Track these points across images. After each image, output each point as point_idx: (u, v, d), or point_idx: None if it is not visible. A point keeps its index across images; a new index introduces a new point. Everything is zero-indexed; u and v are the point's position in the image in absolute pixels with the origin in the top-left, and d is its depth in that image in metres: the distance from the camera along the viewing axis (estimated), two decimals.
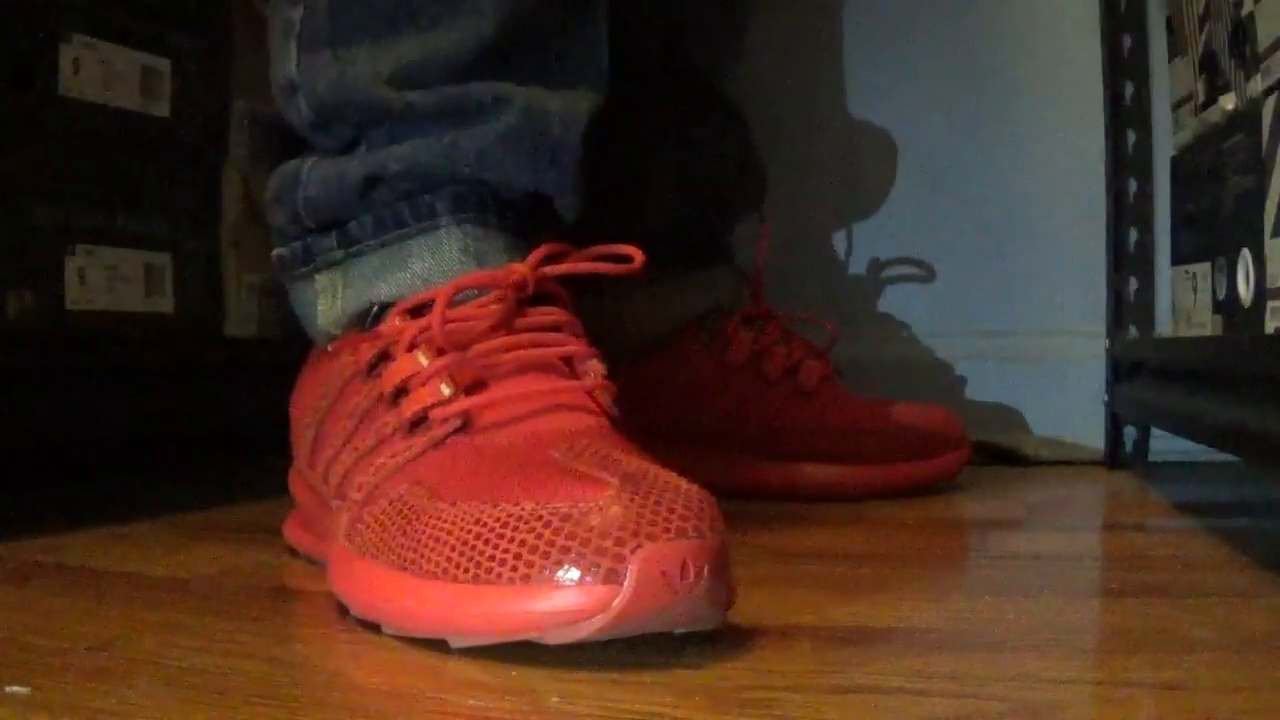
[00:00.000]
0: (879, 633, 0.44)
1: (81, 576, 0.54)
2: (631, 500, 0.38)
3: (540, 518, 0.39)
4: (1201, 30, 0.78)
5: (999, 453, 1.00)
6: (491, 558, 0.39)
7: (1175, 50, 0.88)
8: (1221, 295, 0.74)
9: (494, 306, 0.49)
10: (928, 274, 1.05)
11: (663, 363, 0.80)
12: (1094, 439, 0.99)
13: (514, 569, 0.38)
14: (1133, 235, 0.97)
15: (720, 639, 0.43)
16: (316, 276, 0.57)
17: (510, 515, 0.40)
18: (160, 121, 0.83)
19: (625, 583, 0.37)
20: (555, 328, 0.50)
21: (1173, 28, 0.88)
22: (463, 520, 0.41)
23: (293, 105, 0.56)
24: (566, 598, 0.37)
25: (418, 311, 0.51)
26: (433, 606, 0.40)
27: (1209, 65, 0.76)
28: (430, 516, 0.42)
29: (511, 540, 0.39)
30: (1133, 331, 0.97)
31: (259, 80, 0.94)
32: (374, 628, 0.45)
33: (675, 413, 0.80)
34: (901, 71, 1.04)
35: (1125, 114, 0.98)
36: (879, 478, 0.80)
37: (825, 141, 1.06)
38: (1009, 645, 0.44)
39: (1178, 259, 0.89)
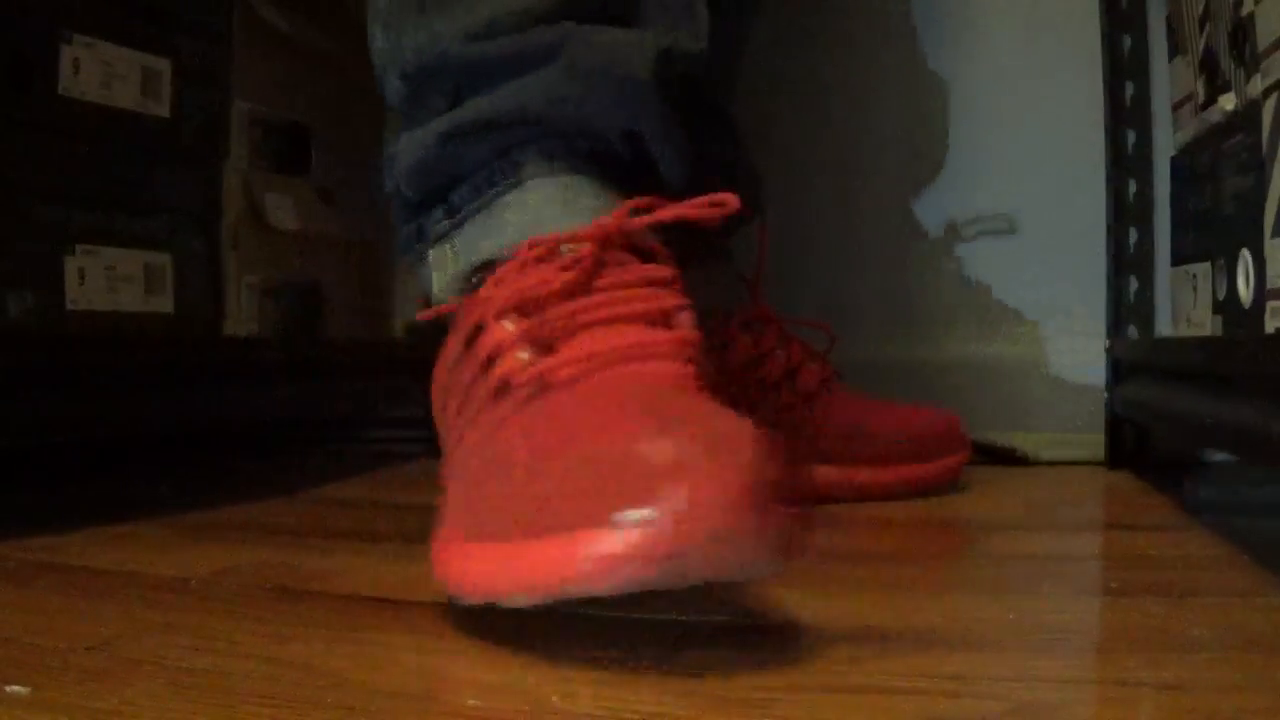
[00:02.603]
0: (879, 633, 0.44)
1: (81, 576, 0.54)
2: (673, 440, 0.37)
3: (590, 464, 0.38)
4: (1201, 30, 0.78)
5: (999, 453, 1.00)
6: (551, 512, 0.38)
7: (1175, 50, 0.88)
8: (1221, 295, 0.74)
9: (575, 264, 0.49)
10: (927, 274, 1.05)
11: None
12: (1094, 439, 0.99)
13: (572, 517, 0.37)
14: (1133, 235, 0.97)
15: (720, 639, 0.43)
16: (430, 252, 0.56)
17: (564, 467, 0.40)
18: (160, 121, 0.83)
19: (667, 521, 0.35)
20: (643, 283, 0.49)
21: (1173, 28, 0.88)
22: (524, 480, 0.41)
23: (388, 87, 0.57)
24: (618, 539, 0.36)
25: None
26: (498, 568, 0.40)
27: (1209, 65, 0.76)
28: (496, 482, 0.43)
29: (566, 490, 0.38)
30: (1133, 331, 0.97)
31: (259, 80, 0.95)
32: (376, 627, 0.45)
33: None
34: (901, 72, 1.05)
35: (1125, 114, 0.98)
36: (879, 480, 0.80)
37: (825, 142, 1.06)
38: (1009, 645, 0.44)
39: (1178, 259, 0.89)
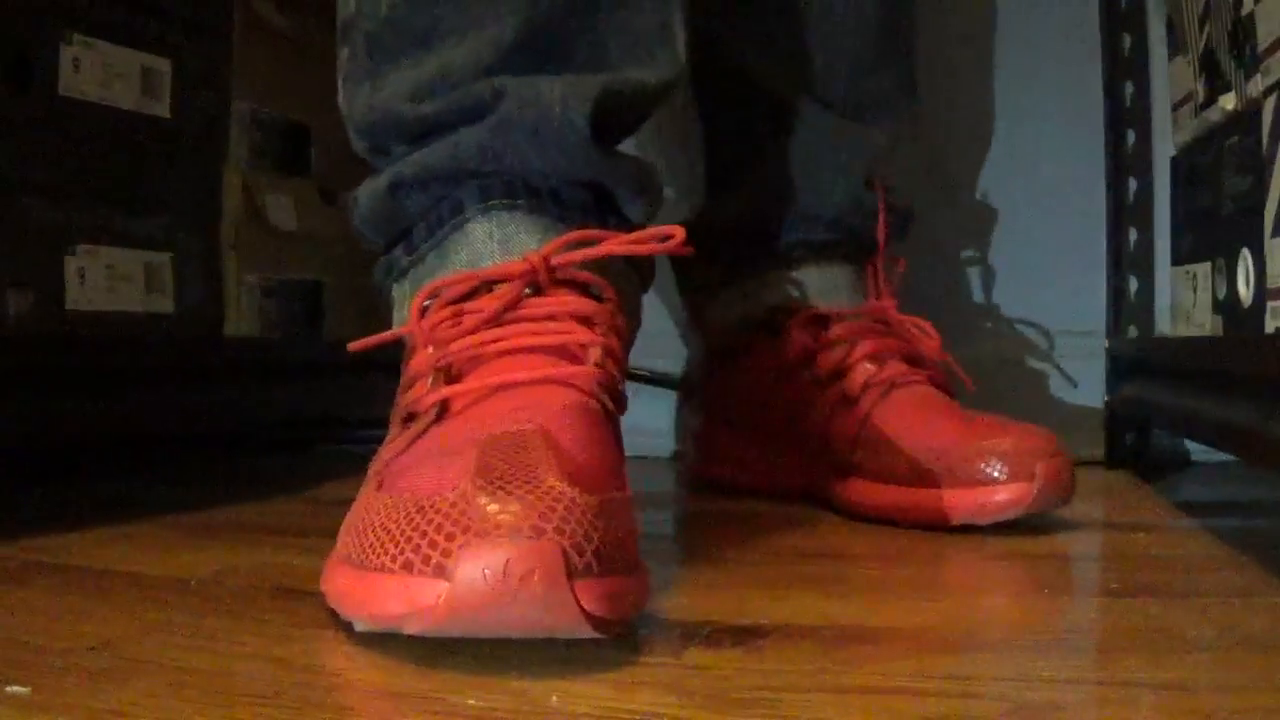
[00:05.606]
0: (879, 633, 0.44)
1: (81, 576, 0.54)
2: (479, 494, 0.38)
3: (400, 507, 0.40)
4: (1201, 30, 0.78)
5: None
6: (371, 546, 0.40)
7: (1175, 50, 0.88)
8: (1221, 295, 0.74)
9: (495, 298, 0.50)
10: (927, 274, 1.05)
11: (739, 362, 0.83)
12: (1094, 439, 0.99)
13: (380, 557, 0.39)
14: (1133, 235, 0.98)
15: (720, 639, 0.43)
16: (393, 288, 0.60)
17: (386, 504, 0.41)
18: (160, 121, 0.83)
19: (452, 578, 0.36)
20: (557, 316, 0.50)
21: (1173, 28, 0.88)
22: (366, 508, 0.43)
23: (351, 138, 0.61)
24: (405, 588, 0.38)
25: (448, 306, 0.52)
26: (346, 591, 0.42)
27: (1209, 65, 0.76)
28: (361, 507, 0.45)
29: (380, 529, 0.40)
30: (1133, 331, 0.97)
31: (259, 80, 0.95)
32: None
33: (745, 409, 0.83)
34: None
35: (1125, 114, 0.98)
36: (900, 503, 0.69)
37: None
38: (1009, 645, 0.44)
39: (1178, 259, 0.89)
